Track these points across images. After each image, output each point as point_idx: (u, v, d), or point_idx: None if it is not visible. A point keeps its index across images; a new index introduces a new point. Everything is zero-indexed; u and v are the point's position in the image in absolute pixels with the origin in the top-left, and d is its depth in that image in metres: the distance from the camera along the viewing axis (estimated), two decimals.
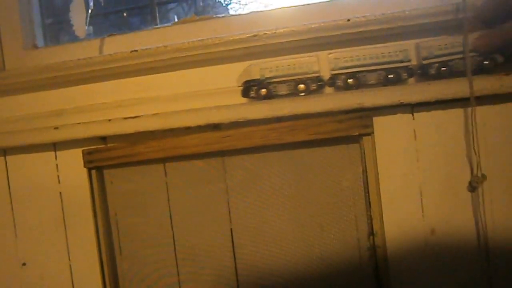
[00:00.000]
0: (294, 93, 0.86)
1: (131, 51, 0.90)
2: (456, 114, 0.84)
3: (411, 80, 0.85)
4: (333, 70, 0.86)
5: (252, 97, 0.87)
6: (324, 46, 0.87)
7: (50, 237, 0.97)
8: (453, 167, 0.84)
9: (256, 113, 0.84)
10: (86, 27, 0.99)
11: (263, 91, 0.86)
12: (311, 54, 0.87)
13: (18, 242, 0.99)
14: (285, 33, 0.85)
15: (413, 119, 0.85)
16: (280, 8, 0.93)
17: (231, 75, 0.91)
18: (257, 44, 0.87)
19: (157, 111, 0.89)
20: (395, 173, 0.85)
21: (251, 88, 0.87)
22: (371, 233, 0.86)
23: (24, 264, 0.99)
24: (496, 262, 0.83)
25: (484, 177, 0.81)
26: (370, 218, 0.86)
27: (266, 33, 0.85)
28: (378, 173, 0.85)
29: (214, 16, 0.97)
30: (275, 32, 0.85)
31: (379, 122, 0.85)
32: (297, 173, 0.88)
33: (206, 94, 0.92)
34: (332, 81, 0.86)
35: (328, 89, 0.87)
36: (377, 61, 0.84)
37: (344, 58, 0.85)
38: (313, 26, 0.84)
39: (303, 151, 0.88)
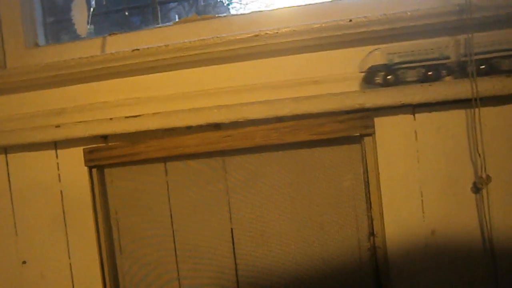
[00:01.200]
0: (422, 79, 0.81)
1: (133, 50, 0.90)
2: (457, 115, 0.84)
3: None
4: (464, 56, 0.80)
5: (378, 83, 0.83)
6: (455, 30, 0.83)
7: (50, 235, 0.97)
8: (454, 168, 0.84)
9: (256, 113, 0.84)
10: (88, 26, 0.99)
11: (390, 77, 0.82)
12: (443, 38, 0.82)
13: (18, 240, 0.99)
14: (286, 33, 0.85)
15: (414, 119, 0.85)
16: (281, 8, 0.93)
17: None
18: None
19: (158, 110, 0.89)
20: (396, 174, 0.85)
21: (376, 74, 0.83)
22: (372, 233, 0.85)
23: (24, 262, 0.99)
24: (501, 263, 0.83)
25: (489, 178, 0.80)
26: (370, 219, 0.86)
27: (267, 33, 0.85)
28: (379, 174, 0.85)
29: (216, 15, 0.96)
30: (277, 32, 0.85)
31: (380, 122, 0.85)
32: (298, 173, 0.88)
33: (207, 93, 0.92)
34: (462, 68, 0.81)
35: (448, 78, 0.83)
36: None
37: (478, 43, 0.79)
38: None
39: (304, 151, 0.88)
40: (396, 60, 0.82)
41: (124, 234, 0.94)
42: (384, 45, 0.85)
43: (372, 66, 0.84)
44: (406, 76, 0.82)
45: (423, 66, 0.82)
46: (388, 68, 0.82)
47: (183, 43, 0.88)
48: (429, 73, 0.81)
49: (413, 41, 0.84)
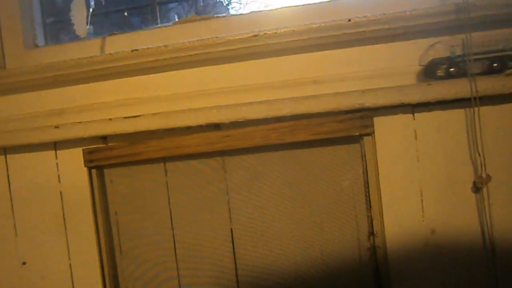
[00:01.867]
0: (487, 71, 0.79)
1: (132, 51, 0.90)
2: (456, 115, 0.84)
3: None
4: None
5: (439, 77, 0.81)
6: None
7: (50, 236, 0.97)
8: (454, 167, 0.84)
9: (256, 113, 0.84)
10: (87, 26, 0.99)
11: (453, 69, 0.79)
12: (508, 30, 0.80)
13: (18, 241, 0.99)
14: (286, 33, 0.85)
15: (414, 119, 0.85)
16: (280, 8, 0.93)
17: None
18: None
19: (158, 111, 0.89)
20: (396, 174, 0.85)
21: (438, 67, 0.80)
22: (372, 233, 0.85)
23: (24, 263, 0.99)
24: (502, 262, 0.83)
25: (489, 178, 0.80)
26: (370, 218, 0.86)
27: (267, 33, 0.85)
28: (378, 173, 0.85)
29: (215, 15, 0.96)
30: (276, 32, 0.85)
31: (379, 122, 0.85)
32: (298, 173, 0.88)
33: (207, 93, 0.92)
34: None
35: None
36: None
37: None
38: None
39: (303, 151, 0.88)
40: (458, 53, 0.80)
41: (124, 234, 0.94)
42: (445, 38, 0.82)
43: (433, 58, 0.82)
44: (469, 68, 0.80)
45: (488, 58, 0.79)
46: (451, 61, 0.80)
47: (182, 43, 0.88)
48: (494, 64, 0.79)
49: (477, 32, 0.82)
